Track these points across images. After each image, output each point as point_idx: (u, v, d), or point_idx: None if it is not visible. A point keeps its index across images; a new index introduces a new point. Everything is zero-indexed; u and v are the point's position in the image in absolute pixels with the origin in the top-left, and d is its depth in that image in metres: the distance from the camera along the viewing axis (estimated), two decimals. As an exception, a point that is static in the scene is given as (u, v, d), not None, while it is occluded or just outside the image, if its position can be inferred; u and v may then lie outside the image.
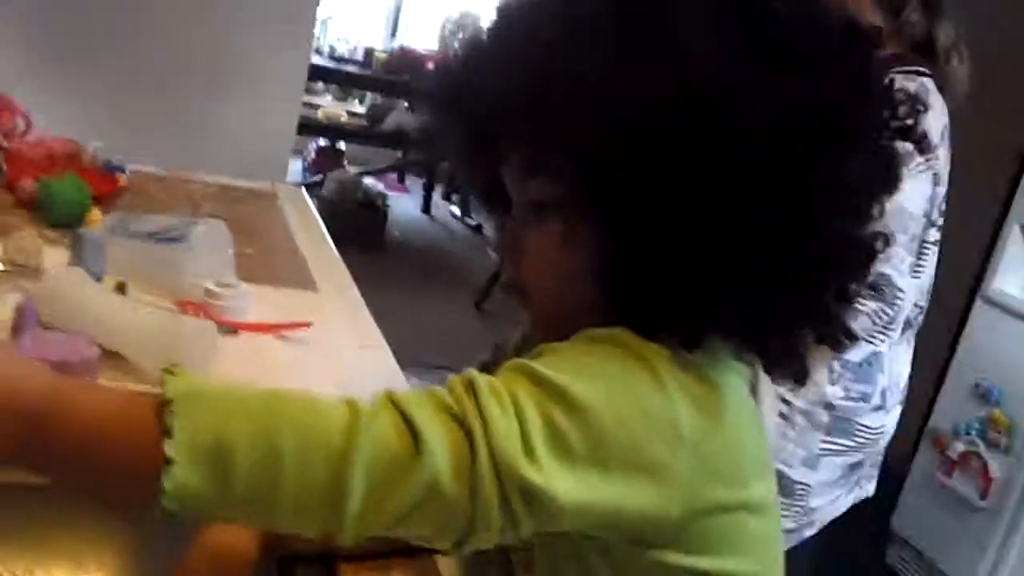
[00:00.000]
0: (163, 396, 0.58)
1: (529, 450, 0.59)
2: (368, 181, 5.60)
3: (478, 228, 5.53)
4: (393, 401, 0.60)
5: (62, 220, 1.41)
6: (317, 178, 5.63)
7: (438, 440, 0.59)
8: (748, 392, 0.73)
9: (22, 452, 0.60)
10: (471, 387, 0.61)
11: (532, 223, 0.73)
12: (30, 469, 0.62)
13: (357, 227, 5.08)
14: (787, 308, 0.68)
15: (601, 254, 0.69)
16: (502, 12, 0.75)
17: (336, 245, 1.69)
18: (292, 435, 0.58)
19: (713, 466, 0.66)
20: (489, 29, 0.75)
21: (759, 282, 0.66)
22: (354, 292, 1.46)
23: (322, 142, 5.90)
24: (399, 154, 6.04)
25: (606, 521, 0.64)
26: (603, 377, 0.64)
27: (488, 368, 0.65)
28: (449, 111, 0.77)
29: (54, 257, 1.26)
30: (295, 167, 5.69)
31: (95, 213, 1.26)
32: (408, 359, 1.24)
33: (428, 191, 6.04)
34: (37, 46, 2.25)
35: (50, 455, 0.60)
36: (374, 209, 5.32)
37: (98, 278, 1.20)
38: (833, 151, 0.66)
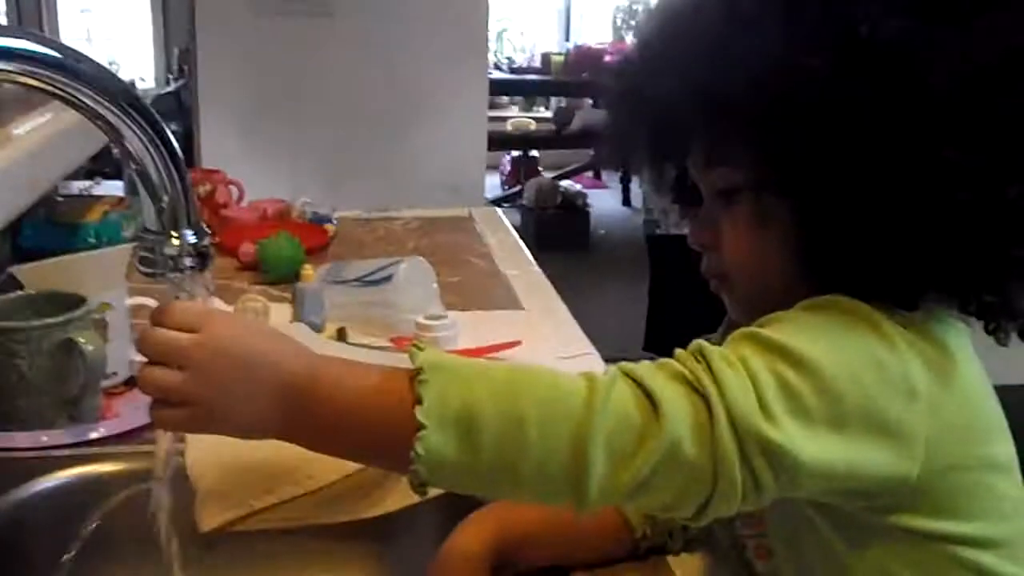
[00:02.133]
0: (413, 367, 0.61)
1: (766, 409, 0.59)
2: (565, 183, 5.67)
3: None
4: (626, 372, 0.62)
5: (281, 277, 1.51)
6: (516, 189, 5.74)
7: (675, 405, 0.59)
8: (972, 351, 0.70)
9: (287, 422, 0.65)
10: (701, 354, 0.62)
11: (723, 211, 0.73)
12: (294, 439, 0.66)
13: (562, 229, 5.16)
14: (995, 259, 0.65)
15: (798, 232, 0.68)
16: (665, 4, 0.76)
17: (542, 250, 1.73)
18: (535, 404, 0.60)
19: (950, 421, 0.65)
20: (655, 22, 0.76)
21: (964, 233, 0.64)
22: (559, 305, 1.48)
23: (515, 153, 6.01)
24: (591, 152, 6.08)
25: (844, 485, 0.63)
26: (830, 337, 0.64)
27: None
28: (629, 111, 0.78)
29: (280, 312, 1.35)
30: (493, 182, 5.82)
31: (308, 266, 1.34)
32: (625, 355, 1.25)
33: (626, 183, 6.03)
34: (243, 123, 2.45)
35: (313, 423, 0.64)
36: (575, 210, 5.38)
37: (319, 328, 1.29)
38: None
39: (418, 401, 0.60)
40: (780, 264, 0.70)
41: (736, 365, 0.61)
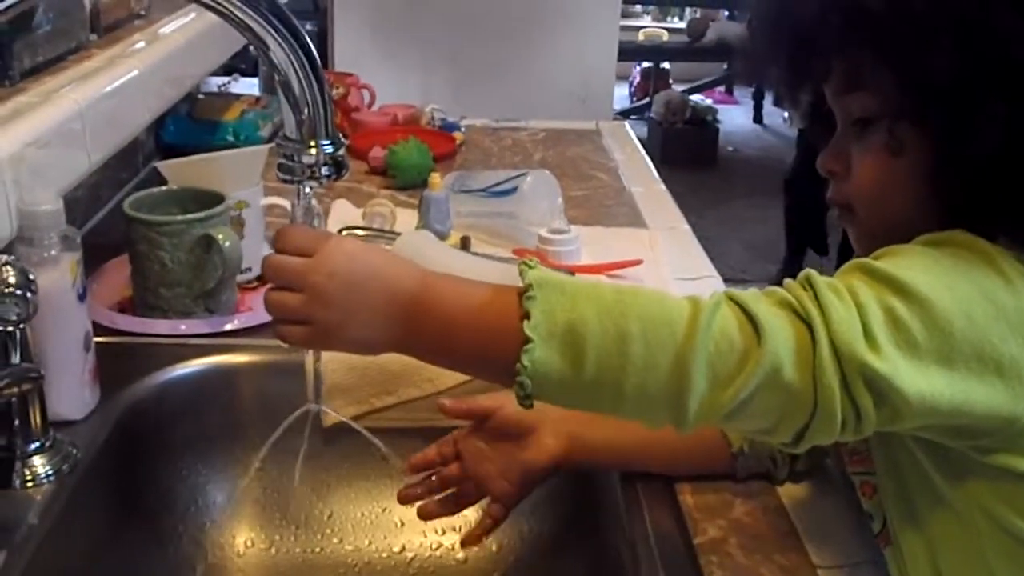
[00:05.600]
0: (523, 283, 0.63)
1: (871, 339, 0.59)
2: (696, 97, 5.55)
3: (814, 132, 5.33)
4: (731, 297, 0.62)
5: (409, 183, 1.54)
6: (644, 101, 5.65)
7: (777, 330, 0.60)
8: None
9: (400, 336, 0.68)
10: (808, 282, 0.62)
11: (856, 139, 0.72)
12: (408, 352, 0.70)
13: (690, 145, 5.08)
14: None
15: (930, 164, 0.67)
16: None
17: (668, 165, 1.71)
18: (639, 322, 0.61)
19: None
20: None
21: None
22: (683, 225, 1.48)
23: (645, 64, 5.89)
24: (724, 66, 5.92)
25: (949, 421, 0.63)
26: (945, 271, 0.63)
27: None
28: (771, 27, 0.77)
29: (405, 218, 1.38)
30: (621, 93, 5.74)
31: (436, 174, 1.36)
32: (747, 276, 1.25)
33: (758, 99, 5.88)
34: (377, 27, 2.47)
35: (425, 336, 0.67)
36: (704, 125, 5.28)
37: (444, 236, 1.31)
38: None
39: (526, 316, 0.62)
40: (906, 196, 0.69)
41: (843, 294, 0.61)
